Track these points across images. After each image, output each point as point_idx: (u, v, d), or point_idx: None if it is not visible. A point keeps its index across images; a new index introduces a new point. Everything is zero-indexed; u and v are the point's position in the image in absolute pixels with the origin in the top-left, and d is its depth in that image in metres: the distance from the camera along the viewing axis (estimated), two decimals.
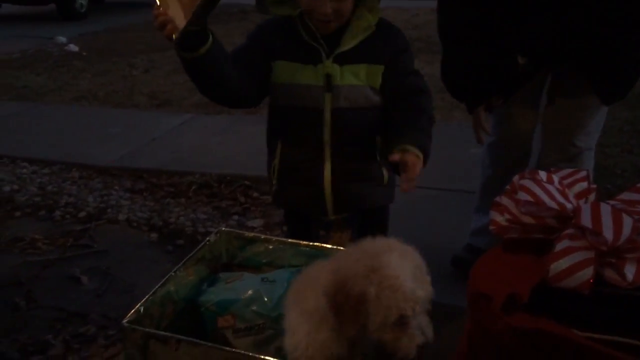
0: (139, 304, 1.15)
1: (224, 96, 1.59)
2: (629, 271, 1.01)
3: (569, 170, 1.28)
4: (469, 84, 1.96)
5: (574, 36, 1.68)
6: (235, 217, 2.93)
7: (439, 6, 1.89)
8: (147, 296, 1.18)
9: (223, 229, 1.54)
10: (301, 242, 1.53)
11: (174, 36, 1.30)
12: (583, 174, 1.26)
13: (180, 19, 1.28)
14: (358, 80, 1.59)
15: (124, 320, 1.10)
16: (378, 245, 1.14)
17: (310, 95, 1.59)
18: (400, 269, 1.07)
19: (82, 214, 2.95)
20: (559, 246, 1.06)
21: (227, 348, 1.11)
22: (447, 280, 2.23)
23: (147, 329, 1.11)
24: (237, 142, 3.85)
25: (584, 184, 1.23)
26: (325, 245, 1.46)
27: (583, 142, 1.96)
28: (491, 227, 1.23)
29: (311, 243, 1.50)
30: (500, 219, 1.22)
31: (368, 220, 1.81)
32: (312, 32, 1.58)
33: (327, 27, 1.58)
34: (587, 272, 1.01)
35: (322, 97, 1.58)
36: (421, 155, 1.49)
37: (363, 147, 1.66)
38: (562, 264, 1.03)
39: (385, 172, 1.71)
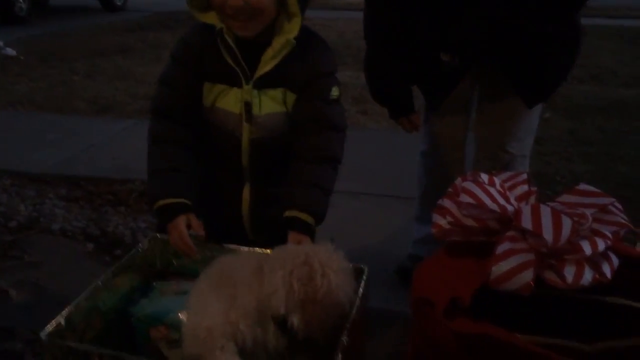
0: (59, 315, 1.07)
1: None
2: (569, 273, 0.99)
3: (510, 173, 1.27)
4: (391, 89, 1.95)
5: (495, 28, 1.66)
6: None
7: (365, 7, 1.86)
8: (69, 307, 1.10)
9: (157, 235, 1.46)
10: (240, 247, 1.46)
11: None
12: (524, 177, 1.26)
13: None
14: (277, 107, 1.51)
15: (42, 333, 1.02)
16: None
17: (229, 122, 1.52)
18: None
19: (12, 224, 2.78)
20: (500, 248, 1.04)
21: None
22: (392, 287, 2.21)
23: (67, 342, 1.03)
24: None
25: (525, 187, 1.23)
26: (266, 250, 1.40)
27: (515, 148, 1.95)
28: (433, 230, 1.21)
29: (250, 249, 1.44)
30: (442, 222, 1.19)
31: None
32: (234, 52, 1.45)
33: (245, 28, 1.41)
34: (528, 275, 1.00)
35: (240, 126, 1.52)
36: (312, 222, 1.45)
37: (283, 172, 1.57)
38: (503, 266, 1.01)
39: None
